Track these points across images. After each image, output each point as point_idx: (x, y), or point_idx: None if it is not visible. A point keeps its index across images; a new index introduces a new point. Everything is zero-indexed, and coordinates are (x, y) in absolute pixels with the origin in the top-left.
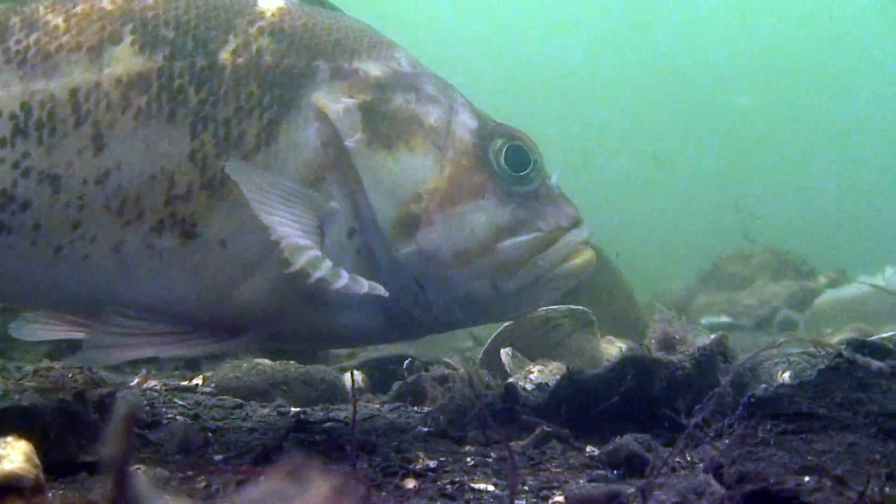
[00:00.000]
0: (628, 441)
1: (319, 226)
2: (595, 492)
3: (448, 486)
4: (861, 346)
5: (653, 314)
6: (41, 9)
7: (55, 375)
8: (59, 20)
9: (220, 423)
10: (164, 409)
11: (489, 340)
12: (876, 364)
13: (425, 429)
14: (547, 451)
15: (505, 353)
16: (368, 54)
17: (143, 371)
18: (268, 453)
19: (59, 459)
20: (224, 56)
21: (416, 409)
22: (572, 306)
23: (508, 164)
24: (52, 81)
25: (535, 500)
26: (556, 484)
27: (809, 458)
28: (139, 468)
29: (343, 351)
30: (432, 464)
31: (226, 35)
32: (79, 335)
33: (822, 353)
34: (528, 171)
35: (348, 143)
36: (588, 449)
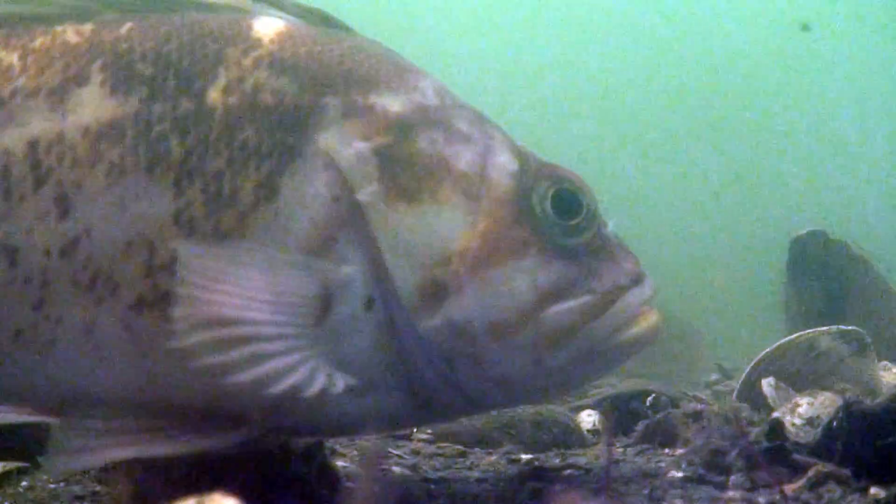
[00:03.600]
0: None
1: (326, 297)
2: None
3: None
4: None
5: None
6: None
7: None
8: (14, 58)
9: (443, 474)
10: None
11: (746, 370)
12: None
13: (679, 473)
14: (824, 494)
15: (767, 384)
16: (388, 86)
17: None
18: None
19: None
20: (213, 95)
21: (666, 451)
22: (843, 327)
23: (556, 212)
24: (5, 133)
25: None
26: None
27: None
28: None
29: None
30: None
31: (215, 69)
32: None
33: None
34: (579, 219)
35: (360, 196)
36: (872, 490)
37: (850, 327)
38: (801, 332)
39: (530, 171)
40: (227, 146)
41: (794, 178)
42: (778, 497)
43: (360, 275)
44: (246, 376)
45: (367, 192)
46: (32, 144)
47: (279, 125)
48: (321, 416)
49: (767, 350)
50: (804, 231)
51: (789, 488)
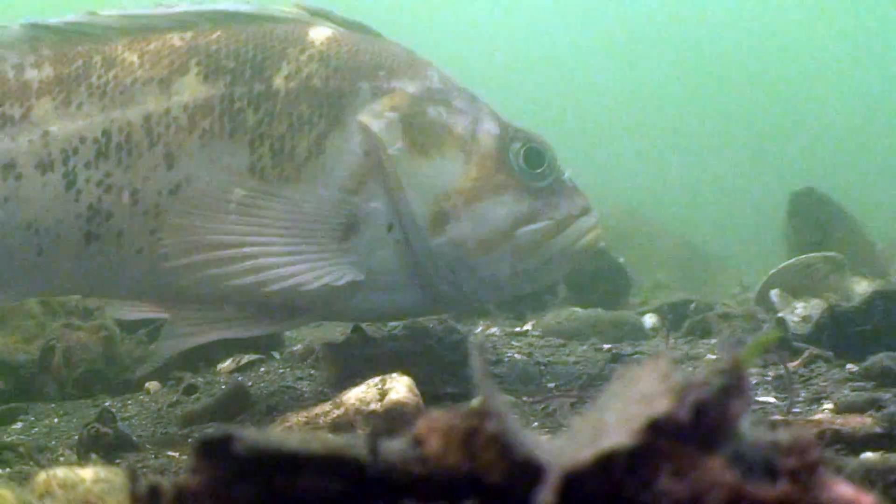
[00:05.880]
0: (882, 358)
1: (351, 224)
2: (858, 399)
3: None
4: None
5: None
6: (119, 47)
7: (419, 326)
8: (135, 57)
9: (550, 359)
10: (504, 350)
11: (759, 285)
12: None
13: (713, 356)
14: (814, 369)
15: (774, 293)
16: (405, 73)
17: (481, 322)
18: (591, 380)
19: (427, 392)
20: (278, 81)
21: (704, 341)
22: (827, 253)
23: (526, 164)
24: (128, 110)
25: (808, 408)
26: (824, 395)
27: None
28: None
29: (638, 300)
30: None
31: (279, 62)
32: (163, 315)
33: None
34: (543, 168)
35: (391, 150)
36: (848, 366)
37: (831, 253)
38: (799, 257)
39: (508, 134)
40: (287, 117)
41: (798, 147)
42: (782, 371)
43: (383, 208)
44: (249, 281)
45: (394, 148)
46: (147, 117)
47: (326, 102)
48: (355, 308)
49: (774, 270)
50: (800, 187)
51: (791, 365)
